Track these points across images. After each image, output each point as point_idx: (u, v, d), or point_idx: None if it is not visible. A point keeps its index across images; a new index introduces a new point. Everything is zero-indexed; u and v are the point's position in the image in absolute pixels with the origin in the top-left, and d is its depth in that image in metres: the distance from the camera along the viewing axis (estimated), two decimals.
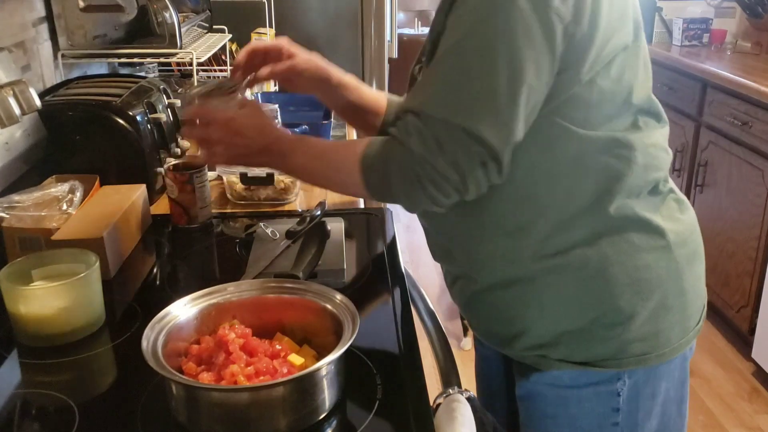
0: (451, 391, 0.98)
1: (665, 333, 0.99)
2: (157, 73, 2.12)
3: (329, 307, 0.91)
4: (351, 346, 0.83)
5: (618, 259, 0.95)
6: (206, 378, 0.84)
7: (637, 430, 1.03)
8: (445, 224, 1.03)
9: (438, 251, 1.12)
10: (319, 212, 1.36)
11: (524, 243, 0.95)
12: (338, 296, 0.92)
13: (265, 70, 1.12)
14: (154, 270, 1.25)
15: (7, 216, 1.18)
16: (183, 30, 1.79)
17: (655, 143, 0.96)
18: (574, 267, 0.95)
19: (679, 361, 1.03)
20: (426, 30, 4.91)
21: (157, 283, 1.20)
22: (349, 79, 1.18)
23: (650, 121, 0.97)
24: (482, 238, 0.98)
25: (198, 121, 1.02)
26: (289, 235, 1.28)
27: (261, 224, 1.33)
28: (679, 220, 1.01)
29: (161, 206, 1.49)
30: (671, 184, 1.02)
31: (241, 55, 1.14)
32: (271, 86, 2.38)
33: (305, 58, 1.16)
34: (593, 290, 0.96)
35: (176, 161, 1.46)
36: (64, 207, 1.23)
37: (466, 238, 1.01)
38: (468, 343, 2.72)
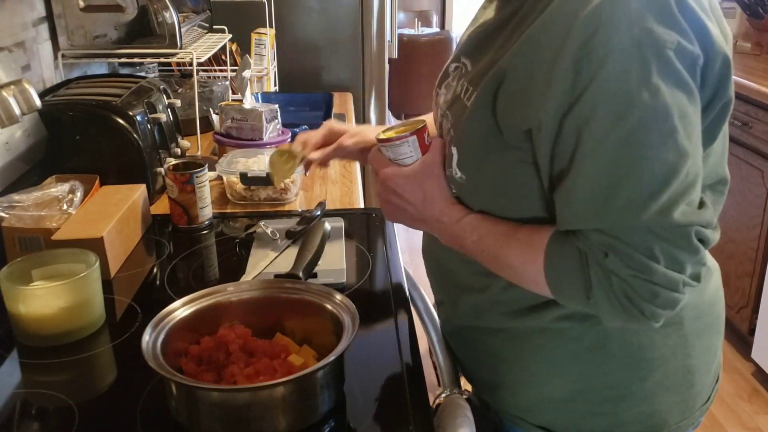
0: (451, 391, 0.98)
1: (661, 414, 0.90)
2: (157, 73, 2.12)
3: (329, 307, 0.91)
4: (351, 346, 0.82)
5: (620, 335, 0.86)
6: (206, 378, 0.84)
7: None
8: (438, 246, 0.95)
9: (431, 266, 1.08)
10: (319, 212, 1.36)
11: (488, 294, 0.90)
12: (338, 296, 0.92)
13: (316, 154, 1.10)
14: (154, 270, 1.25)
15: (7, 216, 1.18)
16: (183, 30, 1.79)
17: (709, 222, 0.76)
18: (569, 337, 0.87)
19: None
20: (426, 30, 4.92)
21: (157, 283, 1.20)
22: None
23: (717, 198, 0.87)
24: (461, 272, 0.93)
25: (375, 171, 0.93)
26: (289, 235, 1.28)
27: (261, 224, 1.33)
28: (701, 291, 0.90)
29: (161, 206, 1.49)
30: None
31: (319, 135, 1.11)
32: (272, 86, 2.38)
33: (351, 134, 1.12)
34: (585, 362, 0.88)
35: (176, 161, 1.46)
36: (64, 207, 1.23)
37: (454, 265, 0.95)
38: None
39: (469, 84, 0.85)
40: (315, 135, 1.14)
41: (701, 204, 0.75)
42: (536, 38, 0.75)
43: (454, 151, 0.86)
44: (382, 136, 0.90)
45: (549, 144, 0.75)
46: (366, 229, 1.40)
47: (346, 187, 1.64)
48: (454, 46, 4.33)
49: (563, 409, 0.91)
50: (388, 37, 2.59)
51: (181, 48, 1.77)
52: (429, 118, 1.04)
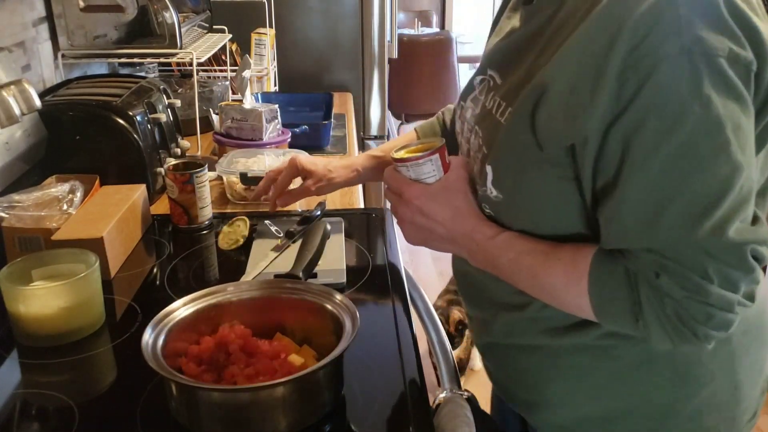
0: (450, 391, 0.98)
1: None
2: (157, 73, 2.12)
3: (329, 307, 0.91)
4: (351, 346, 0.82)
5: (665, 352, 0.82)
6: (206, 378, 0.84)
7: None
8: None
9: (462, 281, 1.02)
10: (319, 212, 1.36)
11: (527, 312, 0.87)
12: (338, 296, 0.92)
13: (280, 200, 1.24)
14: (154, 270, 1.25)
15: (7, 216, 1.18)
16: (183, 30, 1.79)
17: (765, 239, 0.72)
18: (612, 355, 0.84)
19: None
20: (426, 30, 4.91)
21: (157, 283, 1.20)
22: (370, 163, 1.17)
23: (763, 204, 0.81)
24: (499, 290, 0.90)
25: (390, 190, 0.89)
26: (289, 235, 1.28)
27: (262, 224, 1.33)
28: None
29: (161, 206, 1.49)
30: None
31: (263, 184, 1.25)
32: (272, 86, 2.38)
33: (317, 178, 1.25)
34: (628, 380, 0.84)
35: (176, 161, 1.46)
36: (64, 207, 1.23)
37: (489, 281, 0.90)
38: (478, 363, 2.68)
39: (502, 99, 0.82)
40: (282, 178, 1.25)
41: (755, 219, 0.71)
42: (577, 49, 0.71)
43: (488, 169, 0.81)
44: (401, 156, 0.86)
45: (593, 158, 0.71)
46: (366, 229, 1.40)
47: (346, 188, 1.64)
48: (454, 46, 4.34)
49: (606, 428, 0.87)
50: (388, 37, 2.59)
51: (181, 48, 1.77)
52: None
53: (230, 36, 2.16)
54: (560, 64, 0.73)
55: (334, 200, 1.56)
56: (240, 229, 1.30)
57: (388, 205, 0.93)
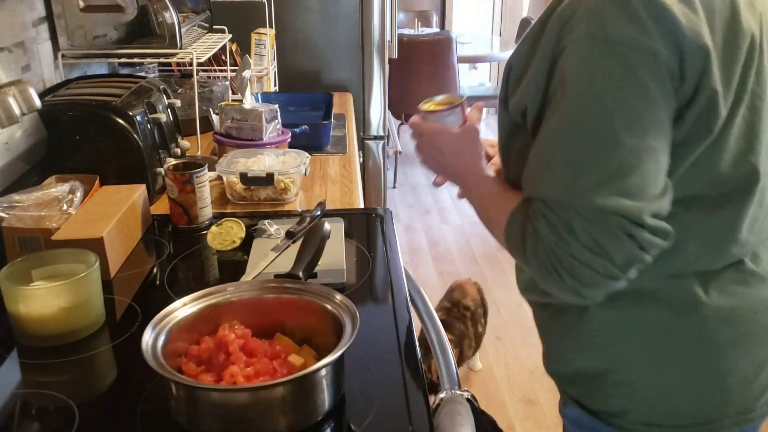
0: (451, 391, 0.98)
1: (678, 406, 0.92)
2: (157, 73, 2.12)
3: (329, 307, 0.91)
4: (351, 346, 0.83)
5: (635, 319, 0.90)
6: (206, 378, 0.84)
7: None
8: None
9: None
10: (319, 212, 1.36)
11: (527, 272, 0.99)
12: (338, 296, 0.92)
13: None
14: (154, 270, 1.25)
15: (7, 216, 1.18)
16: (183, 30, 1.79)
17: (649, 225, 0.79)
18: (585, 318, 0.93)
19: None
20: (426, 30, 4.92)
21: (157, 283, 1.20)
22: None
23: (741, 200, 0.87)
24: None
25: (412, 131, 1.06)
26: (289, 235, 1.28)
27: (261, 224, 1.33)
28: (738, 295, 0.90)
29: (161, 206, 1.49)
30: None
31: None
32: (272, 86, 2.38)
33: None
34: (599, 343, 0.93)
35: (176, 161, 1.46)
36: (64, 207, 1.23)
37: None
38: (478, 363, 2.67)
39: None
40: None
41: (663, 216, 0.79)
42: (530, 34, 0.87)
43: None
44: (429, 108, 1.02)
45: (532, 123, 0.86)
46: (366, 229, 1.41)
47: (346, 187, 1.64)
48: (454, 46, 4.34)
49: (593, 383, 0.95)
50: (388, 37, 2.59)
51: (181, 48, 1.77)
52: None
53: (230, 36, 2.16)
54: (520, 48, 0.89)
55: (334, 200, 1.56)
56: (233, 231, 1.30)
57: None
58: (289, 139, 1.75)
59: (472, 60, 4.90)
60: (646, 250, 0.79)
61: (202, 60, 1.80)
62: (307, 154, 1.57)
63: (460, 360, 2.49)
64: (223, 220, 1.33)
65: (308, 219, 1.33)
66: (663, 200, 0.79)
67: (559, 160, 0.80)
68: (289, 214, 1.44)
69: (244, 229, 1.31)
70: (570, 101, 0.79)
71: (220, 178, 1.57)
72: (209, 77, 2.34)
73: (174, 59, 1.89)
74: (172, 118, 1.67)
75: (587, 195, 0.77)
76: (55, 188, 1.26)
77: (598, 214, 0.77)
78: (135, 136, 1.44)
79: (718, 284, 0.89)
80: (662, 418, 0.92)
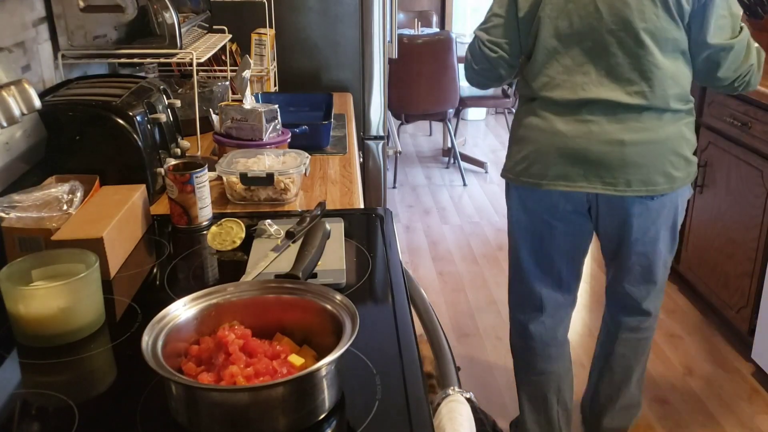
0: (450, 391, 0.98)
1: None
2: (157, 74, 2.12)
3: (329, 307, 0.91)
4: (351, 346, 0.83)
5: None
6: (206, 378, 0.84)
7: None
8: None
9: None
10: (319, 212, 1.36)
11: None
12: (338, 296, 0.92)
13: None
14: (154, 270, 1.25)
15: (7, 216, 1.18)
16: (183, 30, 1.80)
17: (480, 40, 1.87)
18: None
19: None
20: (426, 30, 4.92)
21: (157, 283, 1.20)
22: None
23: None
24: None
25: None
26: (289, 235, 1.28)
27: (261, 224, 1.33)
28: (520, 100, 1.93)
29: (161, 206, 1.49)
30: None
31: None
32: (272, 86, 2.38)
33: None
34: None
35: (176, 161, 1.46)
36: (64, 207, 1.23)
37: None
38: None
39: None
40: None
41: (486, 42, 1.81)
42: None
43: None
44: None
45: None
46: (366, 229, 1.41)
47: (345, 188, 1.64)
48: (454, 46, 4.34)
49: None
50: (388, 37, 2.59)
51: (181, 48, 1.77)
52: None
53: (230, 36, 2.16)
54: None
55: (334, 200, 1.56)
56: (234, 231, 1.30)
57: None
58: (289, 140, 1.76)
59: None
60: (501, 68, 1.87)
61: (202, 60, 1.80)
62: (307, 155, 1.57)
63: None
64: (223, 220, 1.33)
65: (308, 219, 1.33)
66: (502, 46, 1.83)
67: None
68: (289, 215, 1.44)
69: (244, 229, 1.31)
70: None
71: (220, 178, 1.57)
72: (209, 77, 2.34)
73: (174, 59, 1.89)
74: (172, 119, 1.67)
75: (480, 30, 1.90)
76: (55, 188, 1.26)
77: (473, 37, 1.92)
78: (135, 136, 1.44)
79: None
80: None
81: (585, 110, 1.69)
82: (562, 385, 2.09)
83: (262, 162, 1.55)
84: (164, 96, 1.66)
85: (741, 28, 1.67)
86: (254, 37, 2.31)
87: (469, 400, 0.96)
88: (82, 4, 1.71)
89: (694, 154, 1.79)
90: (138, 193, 1.34)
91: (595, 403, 2.15)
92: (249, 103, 1.72)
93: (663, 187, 1.72)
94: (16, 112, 1.17)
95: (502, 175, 1.87)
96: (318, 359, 0.87)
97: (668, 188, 1.72)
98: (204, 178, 1.37)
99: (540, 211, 1.84)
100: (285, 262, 1.18)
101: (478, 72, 1.84)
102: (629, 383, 2.09)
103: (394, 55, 2.70)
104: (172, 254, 1.30)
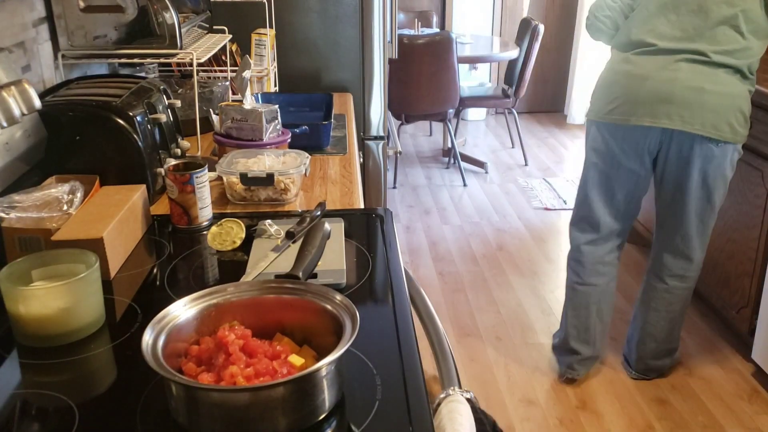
0: (451, 391, 0.98)
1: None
2: (157, 74, 2.12)
3: (329, 307, 0.91)
4: (351, 346, 0.83)
5: None
6: (206, 379, 0.84)
7: None
8: None
9: None
10: (319, 212, 1.36)
11: None
12: (338, 296, 0.92)
13: None
14: (154, 270, 1.25)
15: (7, 216, 1.18)
16: (183, 30, 1.80)
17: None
18: None
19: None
20: (426, 30, 4.92)
21: (157, 283, 1.20)
22: None
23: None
24: None
25: None
26: (289, 235, 1.29)
27: (261, 224, 1.33)
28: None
29: (161, 206, 1.49)
30: None
31: None
32: (272, 86, 2.38)
33: None
34: None
35: (176, 161, 1.46)
36: (64, 207, 1.23)
37: None
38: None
39: None
40: None
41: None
42: None
43: None
44: None
45: None
46: (366, 229, 1.41)
47: (346, 188, 1.64)
48: (454, 46, 4.34)
49: None
50: (388, 38, 2.59)
51: (181, 48, 1.77)
52: None
53: (230, 36, 2.16)
54: None
55: (334, 200, 1.56)
56: (234, 231, 1.30)
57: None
58: (289, 140, 1.76)
59: (472, 60, 4.89)
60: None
61: (202, 60, 1.80)
62: (307, 155, 1.57)
63: None
64: (223, 220, 1.33)
65: (308, 219, 1.33)
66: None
67: None
68: (289, 215, 1.44)
69: (244, 229, 1.31)
70: None
71: (220, 178, 1.57)
72: (209, 77, 2.34)
73: (174, 60, 1.89)
74: (172, 119, 1.67)
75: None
76: (55, 188, 1.26)
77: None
78: (135, 136, 1.44)
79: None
80: None
81: (674, 61, 2.10)
82: (603, 300, 2.49)
83: (262, 162, 1.55)
84: (164, 96, 1.66)
85: None
86: (254, 37, 2.31)
87: (469, 400, 0.96)
88: (82, 4, 1.71)
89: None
90: (138, 193, 1.34)
91: (639, 342, 2.54)
92: (249, 103, 1.72)
93: (727, 135, 2.10)
94: (16, 112, 1.17)
95: (588, 116, 2.32)
96: (318, 359, 0.87)
97: (731, 138, 2.10)
98: (204, 178, 1.37)
99: (617, 148, 2.24)
100: (285, 262, 1.18)
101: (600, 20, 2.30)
102: (672, 328, 2.48)
103: (394, 55, 2.70)
104: (172, 254, 1.30)
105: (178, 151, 1.66)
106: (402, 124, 4.70)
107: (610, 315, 2.55)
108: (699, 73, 2.08)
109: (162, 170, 1.51)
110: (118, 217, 1.22)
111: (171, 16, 1.74)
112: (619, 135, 2.22)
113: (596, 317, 2.50)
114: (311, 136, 1.87)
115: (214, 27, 2.21)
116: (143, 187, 1.37)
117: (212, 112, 1.86)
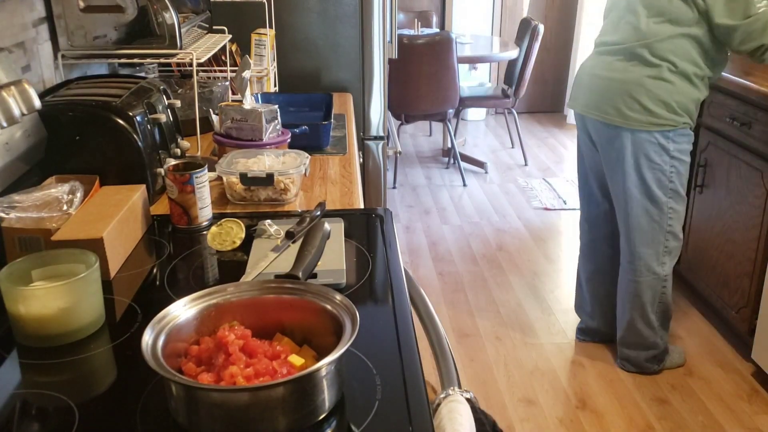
0: (450, 391, 0.98)
1: None
2: (157, 74, 2.12)
3: (329, 307, 0.91)
4: (351, 346, 0.83)
5: None
6: (206, 379, 0.84)
7: None
8: None
9: None
10: (318, 212, 1.36)
11: None
12: (338, 296, 0.92)
13: None
14: (154, 270, 1.25)
15: (7, 216, 1.18)
16: (183, 30, 1.80)
17: None
18: None
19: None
20: (426, 30, 4.93)
21: (157, 283, 1.20)
22: None
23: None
24: None
25: None
26: (289, 235, 1.29)
27: (261, 224, 1.33)
28: None
29: (161, 206, 1.49)
30: None
31: None
32: (272, 86, 2.38)
33: None
34: None
35: (176, 162, 1.46)
36: (64, 207, 1.23)
37: None
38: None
39: None
40: None
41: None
42: None
43: None
44: None
45: None
46: (366, 230, 1.41)
47: (345, 188, 1.64)
48: (454, 46, 4.34)
49: None
50: (388, 38, 2.59)
51: (181, 48, 1.77)
52: None
53: (230, 36, 2.16)
54: None
55: (334, 200, 1.56)
56: (234, 231, 1.30)
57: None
58: (289, 140, 1.76)
59: (472, 60, 4.89)
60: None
61: (202, 60, 1.80)
62: (307, 155, 1.58)
63: None
64: (223, 220, 1.33)
65: (308, 219, 1.33)
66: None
67: None
68: (289, 215, 1.44)
69: (244, 229, 1.31)
70: None
71: (220, 178, 1.57)
72: (209, 78, 2.34)
73: (174, 60, 1.89)
74: (172, 119, 1.67)
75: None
76: (55, 188, 1.26)
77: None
78: (135, 136, 1.44)
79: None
80: None
81: (595, 51, 2.37)
82: (606, 267, 2.63)
83: (262, 162, 1.55)
84: (164, 96, 1.66)
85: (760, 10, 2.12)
86: (254, 37, 2.31)
87: (468, 400, 0.96)
88: (82, 4, 1.71)
89: (694, 122, 2.30)
90: (138, 193, 1.34)
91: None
92: (249, 103, 1.72)
93: (614, 119, 2.25)
94: (16, 112, 1.17)
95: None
96: (318, 359, 0.87)
97: (620, 122, 2.24)
98: (204, 179, 1.37)
99: (579, 132, 2.51)
100: (285, 262, 1.18)
101: None
102: (632, 320, 2.52)
103: (394, 56, 2.70)
104: (172, 254, 1.30)
105: (178, 151, 1.66)
106: (402, 124, 4.70)
107: (614, 281, 2.65)
108: (600, 61, 2.32)
109: (162, 170, 1.51)
110: (118, 217, 1.22)
111: (171, 16, 1.74)
112: (576, 120, 2.52)
113: (602, 286, 2.67)
114: (311, 136, 1.87)
115: (214, 27, 2.21)
116: (143, 187, 1.37)
117: (212, 112, 1.86)
